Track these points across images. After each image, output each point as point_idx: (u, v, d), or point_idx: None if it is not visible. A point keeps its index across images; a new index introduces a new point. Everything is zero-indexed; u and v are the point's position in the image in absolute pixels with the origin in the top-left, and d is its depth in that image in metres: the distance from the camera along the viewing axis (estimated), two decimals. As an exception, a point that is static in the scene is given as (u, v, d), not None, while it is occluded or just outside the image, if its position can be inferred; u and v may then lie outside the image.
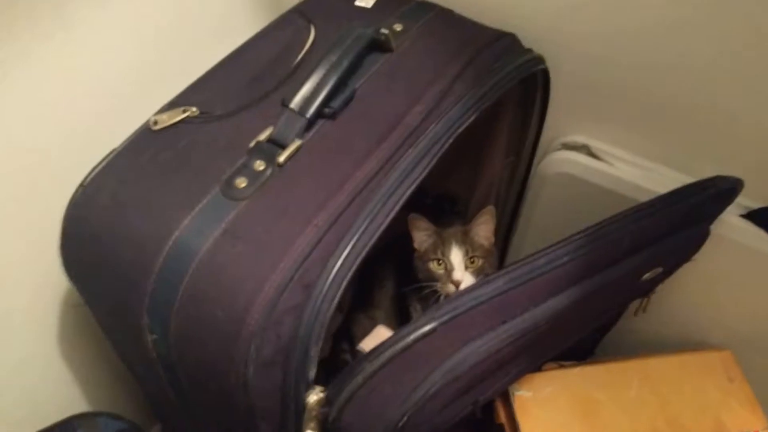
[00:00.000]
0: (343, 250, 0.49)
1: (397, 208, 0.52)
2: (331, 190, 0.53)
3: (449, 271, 0.73)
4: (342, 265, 0.49)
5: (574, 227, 0.84)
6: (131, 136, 0.60)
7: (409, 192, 0.53)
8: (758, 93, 0.67)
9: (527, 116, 0.80)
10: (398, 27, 0.67)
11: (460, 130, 0.57)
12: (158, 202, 0.54)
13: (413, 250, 0.77)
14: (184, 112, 0.60)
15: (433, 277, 0.74)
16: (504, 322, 0.53)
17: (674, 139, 0.77)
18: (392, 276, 0.87)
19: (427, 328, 0.50)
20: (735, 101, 0.70)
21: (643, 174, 0.78)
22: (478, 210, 0.94)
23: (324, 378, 0.90)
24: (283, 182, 0.54)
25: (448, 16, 0.72)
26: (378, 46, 0.64)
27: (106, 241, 0.55)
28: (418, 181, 0.54)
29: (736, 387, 0.79)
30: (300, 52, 0.66)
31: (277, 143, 0.56)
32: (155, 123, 0.59)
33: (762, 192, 0.74)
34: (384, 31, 0.63)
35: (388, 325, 0.88)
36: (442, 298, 0.75)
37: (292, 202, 0.53)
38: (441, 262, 0.73)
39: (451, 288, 0.72)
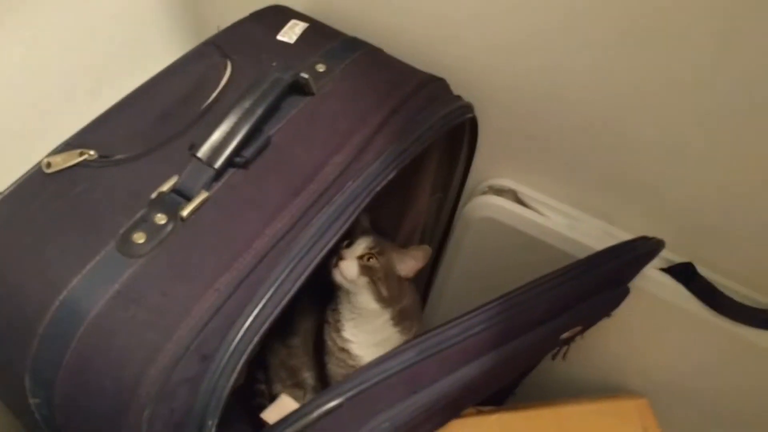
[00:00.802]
0: (246, 320, 0.46)
1: (307, 272, 0.49)
2: (236, 250, 0.49)
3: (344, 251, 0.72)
4: (243, 336, 0.46)
5: (498, 272, 0.84)
6: (20, 179, 0.55)
7: (321, 255, 0.50)
8: (685, 150, 0.68)
9: (455, 156, 0.79)
10: (321, 67, 0.64)
11: (378, 188, 0.55)
12: (45, 257, 0.49)
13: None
14: (81, 154, 0.55)
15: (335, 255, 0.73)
16: (414, 393, 0.51)
17: (600, 189, 0.77)
18: (313, 302, 0.85)
19: (332, 404, 0.48)
20: (663, 156, 0.70)
21: (569, 223, 0.78)
22: (403, 245, 0.93)
23: (237, 408, 0.87)
24: (185, 239, 0.50)
25: (376, 56, 0.70)
26: (298, 88, 0.61)
27: (-14, 297, 0.50)
28: (331, 244, 0.51)
29: (649, 437, 0.80)
30: (214, 91, 0.62)
31: (181, 194, 0.52)
32: (48, 165, 0.55)
33: (682, 246, 0.74)
34: (304, 75, 0.59)
35: (306, 354, 0.86)
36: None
37: (193, 262, 0.49)
38: (349, 245, 0.73)
39: (333, 263, 0.72)
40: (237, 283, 0.48)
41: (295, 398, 0.87)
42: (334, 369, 0.82)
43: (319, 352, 0.83)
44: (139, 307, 0.47)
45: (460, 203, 0.86)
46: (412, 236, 0.92)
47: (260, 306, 0.46)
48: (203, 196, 0.52)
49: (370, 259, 0.72)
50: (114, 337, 0.46)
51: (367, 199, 0.54)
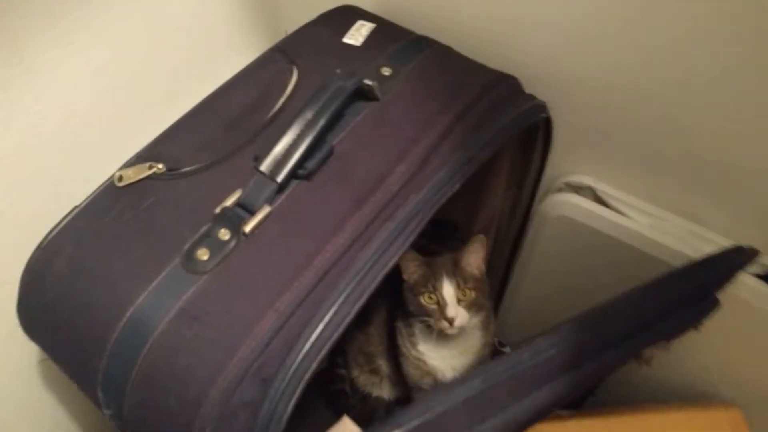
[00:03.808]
0: (304, 344, 0.45)
1: (366, 294, 0.48)
2: (297, 267, 0.49)
3: (442, 306, 0.69)
4: (302, 361, 0.45)
5: (576, 272, 0.80)
6: (95, 192, 0.56)
7: (383, 273, 0.49)
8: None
9: (529, 152, 0.75)
10: (386, 71, 0.62)
11: (442, 201, 0.53)
12: (115, 273, 0.51)
13: (402, 280, 0.73)
14: (151, 167, 0.56)
15: (424, 312, 0.70)
16: (482, 421, 0.49)
17: (685, 185, 0.72)
18: (386, 290, 0.84)
19: (393, 434, 0.47)
20: (753, 151, 0.64)
21: (651, 223, 0.73)
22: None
23: (318, 391, 0.88)
24: (247, 256, 0.50)
25: (444, 54, 0.67)
26: (362, 94, 0.59)
27: (61, 310, 0.52)
28: (391, 263, 0.49)
29: (742, 449, 0.75)
30: (280, 98, 0.61)
31: (245, 208, 0.52)
32: (120, 179, 0.56)
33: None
34: (367, 82, 0.58)
35: (381, 343, 0.86)
36: (435, 333, 0.72)
37: (254, 280, 0.49)
38: (432, 296, 0.69)
39: (445, 325, 0.68)
40: (297, 302, 0.47)
41: (372, 385, 0.90)
42: (410, 370, 0.81)
43: (392, 341, 0.82)
44: (201, 325, 0.47)
45: (536, 199, 0.83)
46: (487, 232, 0.90)
47: (319, 330, 0.46)
48: (266, 210, 0.52)
49: (465, 293, 0.69)
50: (177, 356, 0.47)
51: (430, 213, 0.52)
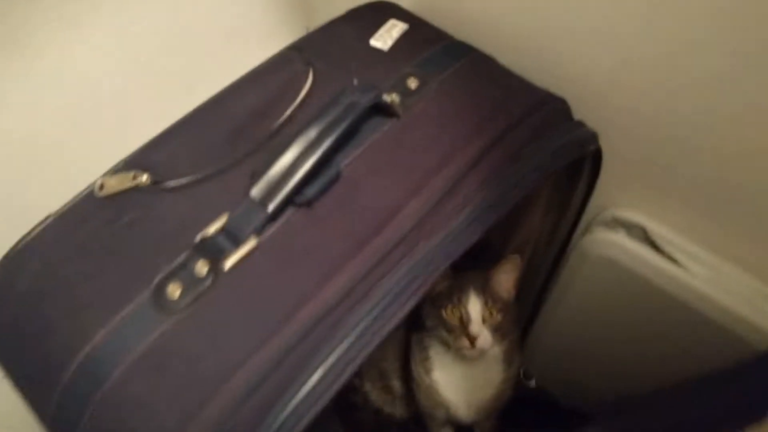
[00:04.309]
0: (279, 414, 0.38)
1: (360, 359, 0.40)
2: (278, 318, 0.42)
3: (465, 322, 0.64)
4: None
5: (614, 318, 0.71)
6: (73, 199, 0.50)
7: (378, 340, 0.41)
8: None
9: (574, 179, 0.66)
10: (413, 82, 0.54)
11: (457, 253, 0.45)
12: (80, 297, 0.45)
13: None
14: (135, 178, 0.49)
15: (444, 326, 0.65)
16: None
17: (756, 237, 0.61)
18: None
19: None
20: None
21: (710, 276, 0.63)
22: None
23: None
24: (223, 298, 0.43)
25: (484, 66, 0.58)
26: (380, 110, 0.51)
27: (19, 334, 0.46)
28: (389, 327, 0.42)
29: None
30: (291, 105, 0.54)
31: (229, 238, 0.45)
32: (101, 188, 0.50)
33: None
34: (386, 98, 0.50)
35: (396, 361, 0.81)
36: (451, 356, 0.68)
37: (228, 329, 0.42)
38: (456, 310, 0.64)
39: (465, 343, 0.64)
40: (272, 365, 0.40)
41: (384, 402, 0.87)
42: (422, 398, 0.76)
43: (407, 362, 0.78)
44: (162, 378, 0.41)
45: (578, 229, 0.74)
46: (521, 256, 0.81)
47: (293, 405, 0.38)
48: (251, 243, 0.45)
49: (492, 313, 0.65)
50: (132, 411, 0.40)
51: (440, 269, 0.44)
